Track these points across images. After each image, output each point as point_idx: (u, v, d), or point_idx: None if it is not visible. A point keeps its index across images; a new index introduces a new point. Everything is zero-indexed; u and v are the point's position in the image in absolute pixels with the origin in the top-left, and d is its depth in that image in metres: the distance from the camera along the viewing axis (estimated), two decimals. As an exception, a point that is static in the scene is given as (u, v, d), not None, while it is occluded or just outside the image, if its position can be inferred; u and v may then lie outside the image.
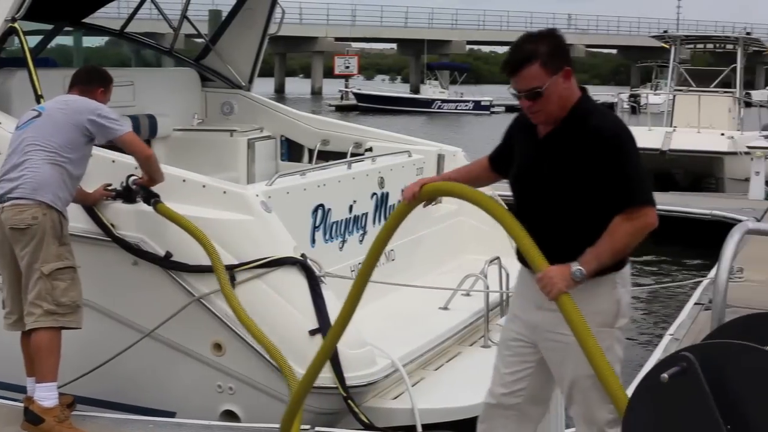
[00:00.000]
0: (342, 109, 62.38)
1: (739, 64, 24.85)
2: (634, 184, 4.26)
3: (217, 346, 6.23)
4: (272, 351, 5.94)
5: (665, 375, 3.37)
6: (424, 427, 6.14)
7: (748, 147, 19.24)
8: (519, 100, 4.35)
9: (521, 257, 4.51)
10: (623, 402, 3.83)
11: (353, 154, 9.35)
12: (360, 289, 5.05)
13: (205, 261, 6.14)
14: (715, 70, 26.98)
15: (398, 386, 6.45)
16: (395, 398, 6.39)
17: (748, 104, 28.49)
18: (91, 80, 6.44)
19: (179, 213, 6.24)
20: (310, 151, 10.09)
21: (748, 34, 28.41)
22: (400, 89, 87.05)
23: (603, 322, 4.33)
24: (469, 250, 9.02)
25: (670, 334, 8.40)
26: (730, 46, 26.80)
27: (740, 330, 3.79)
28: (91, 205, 6.46)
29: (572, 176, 4.25)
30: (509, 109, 70.27)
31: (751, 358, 3.30)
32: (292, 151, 10.28)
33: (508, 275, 7.77)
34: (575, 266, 4.17)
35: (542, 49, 4.24)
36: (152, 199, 6.32)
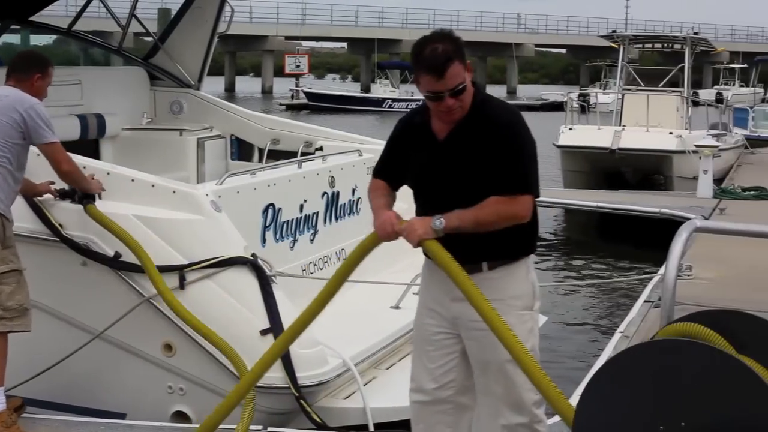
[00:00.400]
0: (292, 108, 62.23)
1: (686, 64, 25.05)
2: (519, 172, 4.38)
3: (168, 347, 6.19)
4: (224, 347, 5.90)
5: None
6: (376, 426, 6.14)
7: (696, 146, 19.40)
8: (437, 103, 4.35)
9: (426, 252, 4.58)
10: (545, 382, 3.96)
11: (303, 154, 9.32)
12: (314, 312, 5.01)
13: (155, 261, 6.09)
14: (663, 70, 27.18)
15: (350, 385, 6.45)
16: (347, 397, 6.39)
17: (696, 103, 28.74)
18: (27, 67, 6.19)
19: (108, 216, 6.17)
20: (260, 151, 10.05)
21: (695, 33, 28.72)
22: (350, 88, 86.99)
23: (524, 305, 4.52)
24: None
25: (620, 332, 8.45)
26: (677, 46, 27.01)
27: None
28: (33, 197, 6.35)
29: (483, 169, 4.35)
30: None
31: (698, 355, 3.33)
32: (242, 150, 10.23)
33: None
34: (437, 217, 4.33)
35: (455, 47, 4.34)
36: (85, 200, 6.25)
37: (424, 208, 4.57)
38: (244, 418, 5.59)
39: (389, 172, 4.77)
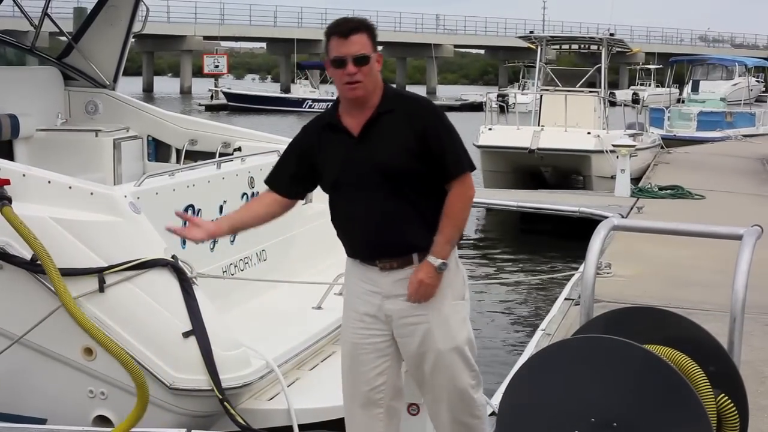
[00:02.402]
0: (212, 109, 61.85)
1: (603, 65, 25.36)
2: (460, 150, 4.48)
3: (88, 351, 6.10)
4: (123, 358, 5.80)
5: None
6: (301, 427, 6.11)
7: (614, 145, 19.66)
8: (341, 70, 4.38)
9: (354, 252, 4.65)
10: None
11: (222, 154, 9.26)
12: None
13: (74, 264, 6.01)
14: (581, 71, 27.49)
15: (274, 387, 6.41)
16: (271, 399, 6.35)
17: (613, 103, 29.11)
18: None
19: (22, 218, 6.05)
20: (178, 152, 9.96)
21: (611, 35, 29.05)
22: (270, 89, 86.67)
23: (456, 295, 4.56)
24: (341, 249, 8.99)
25: (542, 329, 8.53)
26: (594, 47, 27.34)
27: (607, 324, 3.87)
28: None
29: (409, 156, 4.38)
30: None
31: (617, 351, 3.37)
32: (159, 151, 10.13)
33: (381, 273, 7.79)
34: (435, 261, 4.36)
35: (368, 26, 4.47)
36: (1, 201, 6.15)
37: (348, 207, 4.55)
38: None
39: (284, 180, 4.80)
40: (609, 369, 3.37)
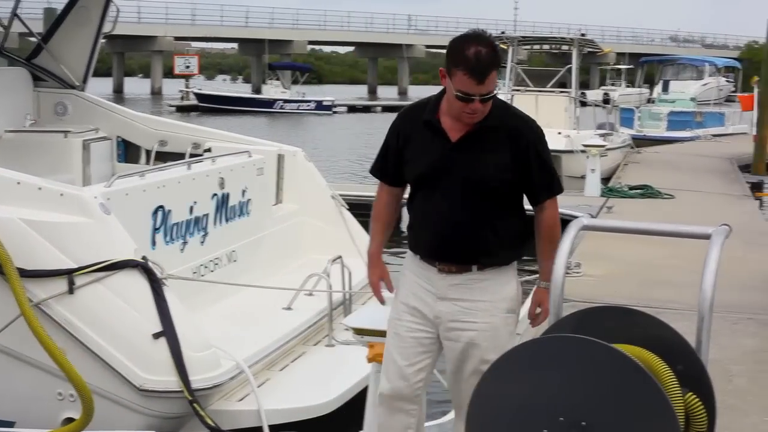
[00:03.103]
0: (182, 110, 61.56)
1: (574, 65, 25.42)
2: (554, 173, 4.59)
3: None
4: (66, 367, 5.77)
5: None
6: (271, 428, 6.12)
7: (584, 145, 19.72)
8: (464, 104, 4.31)
9: (417, 248, 4.64)
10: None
11: (192, 155, 9.25)
12: None
13: (43, 265, 5.99)
14: (552, 71, 27.56)
15: (244, 388, 6.41)
16: (241, 400, 6.35)
17: (584, 104, 29.17)
18: None
19: None
20: (148, 152, 9.95)
21: (582, 35, 29.07)
22: (241, 89, 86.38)
23: (509, 308, 4.58)
24: (312, 249, 9.04)
25: (512, 329, 8.53)
26: (565, 47, 27.39)
27: (576, 324, 3.88)
28: None
29: (498, 171, 4.40)
30: (351, 109, 70.79)
31: (585, 350, 3.39)
32: (128, 152, 10.11)
33: (350, 274, 7.82)
34: (548, 286, 4.30)
35: (496, 55, 4.32)
36: None
37: (425, 205, 4.57)
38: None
39: (395, 172, 4.72)
40: (578, 368, 3.38)
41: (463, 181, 4.43)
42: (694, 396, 3.65)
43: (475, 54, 4.23)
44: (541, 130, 4.62)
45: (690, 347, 3.78)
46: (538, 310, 4.65)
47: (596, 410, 3.34)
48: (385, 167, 4.75)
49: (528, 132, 4.50)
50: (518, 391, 3.45)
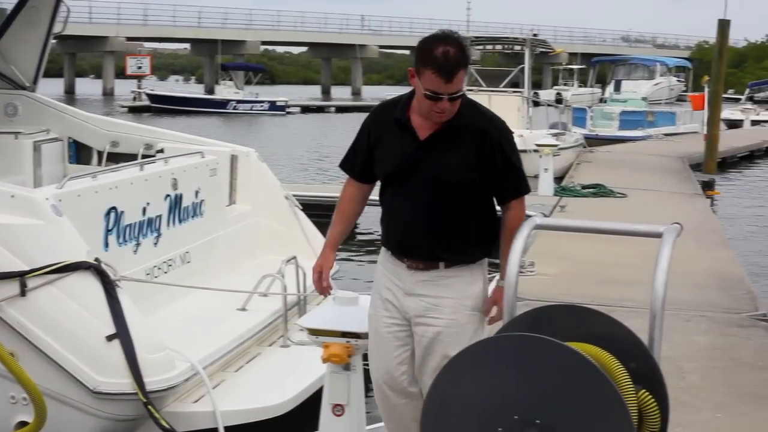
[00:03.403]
0: (135, 111, 61.12)
1: (527, 65, 25.60)
2: (522, 173, 4.65)
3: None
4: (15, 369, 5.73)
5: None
6: (227, 429, 6.10)
7: (537, 145, 19.80)
8: (433, 102, 4.36)
9: (388, 244, 4.70)
10: None
11: (144, 156, 9.20)
12: None
13: (-5, 268, 5.94)
14: (505, 71, 27.71)
15: (199, 389, 6.39)
16: (196, 401, 6.33)
17: (536, 103, 29.35)
18: None
19: None
20: (100, 153, 9.88)
21: (534, 35, 29.27)
22: (194, 90, 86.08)
23: (474, 306, 4.65)
24: (266, 250, 9.02)
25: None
26: (518, 48, 27.55)
27: (530, 322, 3.90)
28: None
29: (464, 170, 4.46)
30: (305, 109, 70.70)
31: (539, 349, 3.41)
32: (80, 153, 10.03)
33: (305, 274, 7.81)
34: (497, 281, 4.61)
35: (465, 55, 4.36)
36: None
37: (394, 202, 4.63)
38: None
39: (363, 169, 4.78)
40: (531, 367, 3.40)
41: (429, 179, 4.48)
42: (647, 393, 3.69)
43: (443, 53, 4.28)
44: (509, 130, 4.66)
45: (643, 345, 3.81)
46: (494, 309, 4.66)
47: (550, 408, 3.36)
48: (354, 163, 4.81)
49: (495, 131, 4.54)
50: (473, 389, 3.46)
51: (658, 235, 4.05)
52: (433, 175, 4.48)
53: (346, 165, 4.86)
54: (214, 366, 6.68)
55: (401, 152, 4.54)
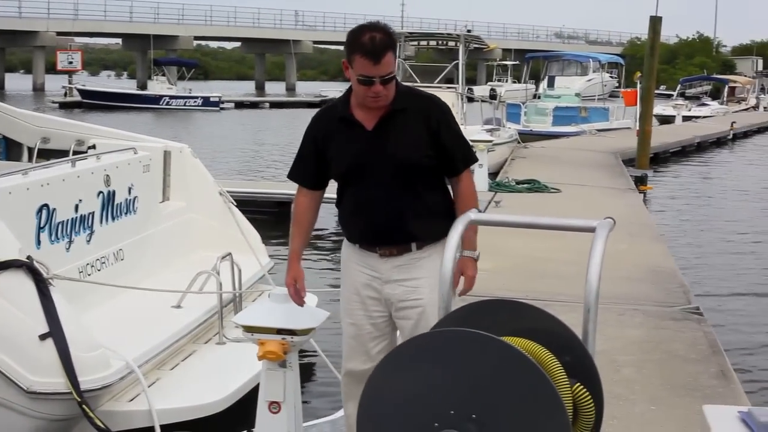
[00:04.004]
0: (66, 106, 60.43)
1: (461, 61, 25.65)
2: (467, 145, 4.89)
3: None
4: None
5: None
6: (163, 428, 6.06)
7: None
8: (366, 87, 4.51)
9: (355, 238, 4.80)
10: None
11: (76, 152, 9.10)
12: None
13: None
14: (439, 67, 27.76)
15: (134, 388, 6.34)
16: (132, 400, 6.28)
17: (471, 99, 29.47)
18: None
19: None
20: (30, 150, 9.75)
21: (468, 31, 29.35)
22: (126, 85, 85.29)
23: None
24: (201, 246, 8.97)
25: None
26: (452, 43, 27.62)
27: (466, 317, 3.92)
28: None
29: (421, 152, 4.63)
30: (239, 105, 70.38)
31: (474, 343, 3.42)
32: (9, 149, 9.90)
33: (240, 271, 7.78)
34: (474, 254, 4.78)
35: (390, 39, 4.54)
36: None
37: (357, 196, 4.72)
38: None
39: (314, 176, 4.83)
40: (467, 362, 3.41)
41: (389, 165, 4.61)
42: (582, 387, 3.72)
43: (370, 38, 4.45)
44: (447, 105, 4.83)
45: (577, 338, 3.85)
46: (462, 281, 4.74)
47: (486, 403, 3.37)
48: (305, 173, 4.86)
49: (435, 109, 4.72)
50: (409, 385, 3.47)
51: (592, 230, 4.09)
52: (392, 160, 4.61)
53: (296, 176, 4.90)
54: (149, 364, 6.64)
55: (355, 146, 4.65)
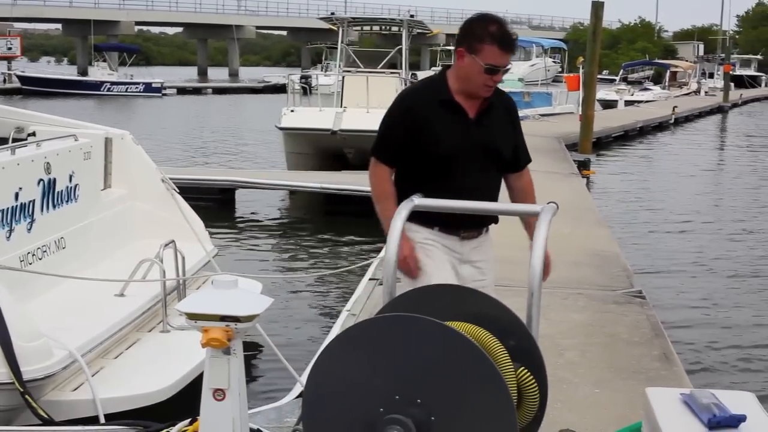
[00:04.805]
0: (5, 93, 59.61)
1: (404, 46, 25.63)
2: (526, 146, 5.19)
3: None
4: None
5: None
6: (107, 416, 6.01)
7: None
8: (489, 76, 4.71)
9: (439, 221, 4.82)
10: None
11: (15, 140, 8.98)
12: None
13: None
14: (382, 52, 27.76)
15: (78, 377, 6.30)
16: (75, 389, 6.23)
17: (414, 84, 29.45)
18: None
19: None
20: (-33, 138, 9.62)
21: (411, 16, 29.33)
22: (67, 71, 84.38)
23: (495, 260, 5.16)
24: (143, 234, 8.90)
25: (347, 310, 8.58)
26: (395, 29, 27.60)
27: (410, 303, 3.94)
28: None
29: (509, 142, 4.96)
30: (181, 91, 69.92)
31: (417, 328, 3.43)
32: (-53, 138, 9.75)
33: (183, 258, 7.74)
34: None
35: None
36: None
37: (461, 179, 4.79)
38: None
39: (391, 150, 4.93)
40: (411, 347, 3.42)
41: (487, 153, 4.84)
42: (526, 370, 3.75)
43: (499, 29, 4.69)
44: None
45: (521, 323, 3.88)
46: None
47: (431, 388, 3.39)
48: (392, 148, 4.94)
49: (514, 108, 5.11)
50: (354, 371, 3.47)
51: (535, 214, 4.12)
52: (490, 148, 4.83)
53: (382, 152, 4.98)
54: (92, 353, 6.59)
55: (458, 131, 4.79)
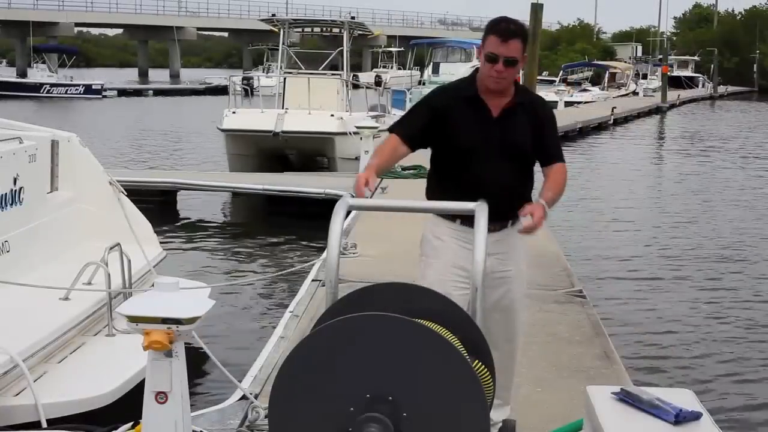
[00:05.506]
0: (-57, 96, 59.02)
1: (345, 47, 25.67)
2: (560, 144, 5.38)
3: None
4: None
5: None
6: (49, 422, 5.98)
7: (357, 127, 19.91)
8: (491, 65, 4.92)
9: (462, 217, 5.00)
10: None
11: (-46, 143, 8.90)
12: None
13: None
14: (324, 53, 27.80)
15: (20, 382, 6.25)
16: (17, 395, 6.19)
17: (356, 86, 29.52)
18: None
19: None
20: None
21: (353, 18, 29.43)
22: (5, 73, 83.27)
23: (525, 253, 5.40)
24: (90, 237, 8.86)
25: (290, 311, 8.60)
26: (336, 30, 27.64)
27: (353, 303, 3.97)
28: None
29: (529, 144, 5.09)
30: (122, 93, 69.39)
31: (380, 326, 3.46)
32: None
33: (129, 262, 7.71)
34: (545, 205, 4.94)
35: (523, 32, 5.03)
36: None
37: (480, 174, 5.00)
38: None
39: (413, 133, 5.13)
40: (378, 345, 3.41)
41: (508, 150, 5.04)
42: (481, 363, 3.81)
43: (504, 23, 4.98)
44: (551, 108, 5.53)
45: (468, 317, 3.94)
46: (528, 218, 4.89)
47: (401, 383, 3.40)
48: (409, 125, 5.19)
49: (545, 107, 5.34)
50: (322, 373, 3.46)
51: (471, 212, 4.22)
52: (510, 146, 5.03)
53: (398, 126, 5.20)
54: (35, 358, 6.54)
55: (481, 127, 5.04)
